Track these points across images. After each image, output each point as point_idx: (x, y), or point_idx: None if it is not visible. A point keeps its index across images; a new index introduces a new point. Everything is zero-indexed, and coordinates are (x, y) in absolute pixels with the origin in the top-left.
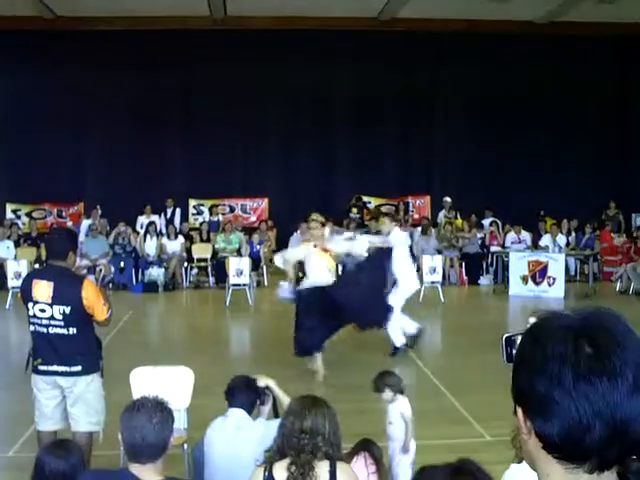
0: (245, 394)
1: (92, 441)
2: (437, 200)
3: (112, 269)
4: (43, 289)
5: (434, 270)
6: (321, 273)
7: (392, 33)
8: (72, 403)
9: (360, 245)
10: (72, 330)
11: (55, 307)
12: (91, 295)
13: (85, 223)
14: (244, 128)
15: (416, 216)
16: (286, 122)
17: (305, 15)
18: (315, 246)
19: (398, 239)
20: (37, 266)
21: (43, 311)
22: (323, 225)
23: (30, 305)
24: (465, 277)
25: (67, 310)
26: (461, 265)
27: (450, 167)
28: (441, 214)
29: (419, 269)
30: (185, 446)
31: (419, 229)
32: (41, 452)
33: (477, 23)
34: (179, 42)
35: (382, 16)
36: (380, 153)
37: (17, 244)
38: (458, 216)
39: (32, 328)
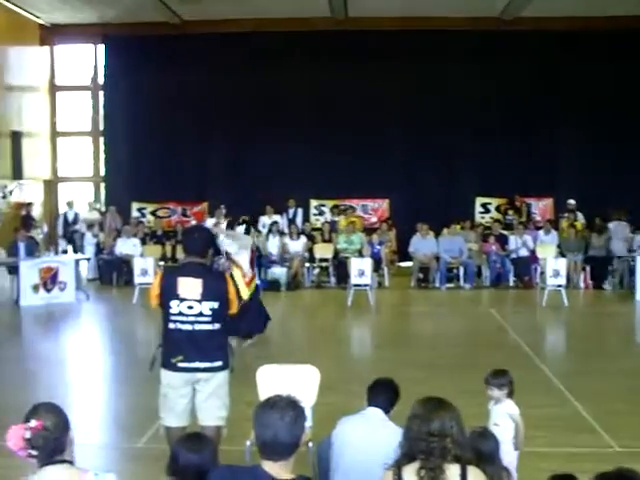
0: (387, 395)
1: (220, 436)
2: (560, 202)
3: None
4: (191, 286)
5: (557, 273)
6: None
7: (515, 32)
8: (205, 398)
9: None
10: (217, 325)
11: (204, 303)
12: (233, 290)
13: (209, 222)
14: (367, 129)
15: (538, 218)
16: (409, 124)
17: (425, 15)
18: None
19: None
20: (162, 263)
21: (191, 308)
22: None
23: (174, 303)
24: (590, 281)
25: (216, 305)
26: (584, 269)
27: (574, 168)
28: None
29: (543, 272)
30: (310, 444)
31: (541, 232)
32: (177, 445)
33: (595, 20)
34: (302, 43)
35: (505, 15)
36: (502, 153)
37: (143, 242)
38: (580, 219)
39: (172, 326)
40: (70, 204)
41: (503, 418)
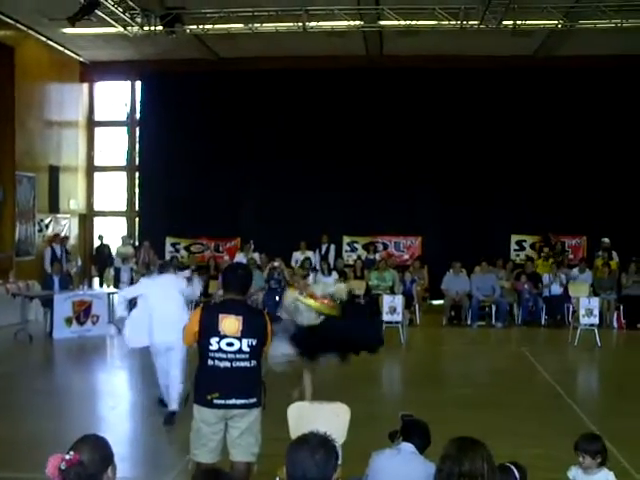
0: (422, 437)
1: (250, 472)
2: (594, 241)
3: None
4: (232, 323)
5: (591, 312)
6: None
7: (551, 69)
8: (239, 434)
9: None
10: (253, 362)
11: (244, 340)
12: (270, 326)
13: (240, 258)
14: (400, 166)
15: (571, 256)
16: (442, 161)
17: (458, 54)
18: (301, 293)
19: None
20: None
21: (231, 345)
22: (304, 277)
23: (214, 340)
24: (623, 320)
25: (254, 342)
26: (618, 308)
27: (608, 206)
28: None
29: (575, 311)
30: None
31: (575, 270)
32: None
33: None
34: (335, 81)
35: (539, 54)
36: (532, 193)
37: None
38: (614, 257)
39: (210, 362)
40: (101, 238)
41: None
